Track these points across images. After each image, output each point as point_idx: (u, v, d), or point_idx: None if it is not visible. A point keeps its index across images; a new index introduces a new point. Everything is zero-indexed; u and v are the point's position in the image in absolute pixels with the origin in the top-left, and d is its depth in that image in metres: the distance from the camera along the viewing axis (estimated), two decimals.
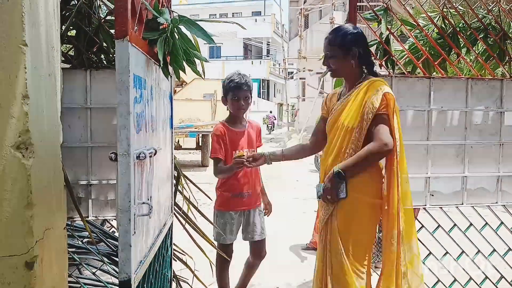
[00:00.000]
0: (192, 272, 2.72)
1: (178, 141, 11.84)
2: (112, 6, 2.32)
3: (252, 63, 38.66)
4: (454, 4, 3.07)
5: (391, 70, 2.89)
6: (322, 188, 2.34)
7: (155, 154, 1.66)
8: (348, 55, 2.32)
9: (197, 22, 1.81)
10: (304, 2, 24.49)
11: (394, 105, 2.23)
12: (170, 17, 1.77)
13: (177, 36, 1.75)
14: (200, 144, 11.59)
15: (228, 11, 43.20)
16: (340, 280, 2.27)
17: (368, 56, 2.39)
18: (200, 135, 11.47)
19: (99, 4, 2.42)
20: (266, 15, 40.59)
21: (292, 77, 29.97)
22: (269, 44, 42.27)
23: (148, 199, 1.60)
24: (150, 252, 1.75)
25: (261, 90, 40.22)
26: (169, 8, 2.05)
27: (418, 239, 2.88)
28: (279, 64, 39.76)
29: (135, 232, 1.46)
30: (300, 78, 24.72)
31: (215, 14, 41.53)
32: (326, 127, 2.48)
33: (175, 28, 1.73)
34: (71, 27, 2.33)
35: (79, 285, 2.33)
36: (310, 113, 17.93)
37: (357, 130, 2.27)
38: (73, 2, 2.40)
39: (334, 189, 2.27)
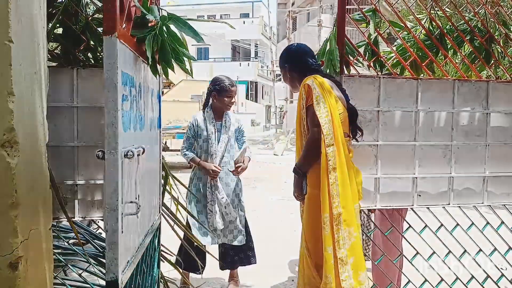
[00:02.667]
0: (180, 273, 2.70)
1: (166, 142, 11.76)
2: (99, 4, 2.30)
3: (240, 65, 38.64)
4: (442, 6, 3.10)
5: (379, 71, 2.91)
6: None
7: (143, 152, 1.64)
8: (286, 72, 2.68)
9: (186, 21, 1.80)
10: (292, 5, 24.60)
11: (315, 93, 2.36)
12: (159, 15, 1.75)
13: (166, 34, 1.73)
14: None
15: (216, 12, 43.14)
16: (307, 273, 2.36)
17: (302, 66, 2.60)
18: None
19: (87, 2, 2.39)
20: (254, 17, 40.64)
21: (280, 79, 30.03)
22: (257, 46, 42.32)
23: (136, 198, 1.58)
24: (138, 252, 1.73)
25: (249, 92, 40.22)
26: (158, 6, 2.03)
27: (405, 239, 2.92)
28: (267, 66, 39.83)
29: (122, 231, 1.44)
30: None
31: (203, 16, 41.40)
32: None
33: (164, 26, 1.71)
34: (58, 25, 2.30)
35: (64, 287, 2.29)
36: None
37: (302, 127, 2.47)
38: (60, 0, 2.37)
39: (297, 186, 2.47)
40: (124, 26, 1.54)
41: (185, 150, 3.57)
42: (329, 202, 2.26)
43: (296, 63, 2.63)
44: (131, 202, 1.51)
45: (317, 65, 2.63)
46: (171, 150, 12.04)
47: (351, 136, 2.56)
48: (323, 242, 2.27)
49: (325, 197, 2.27)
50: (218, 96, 3.53)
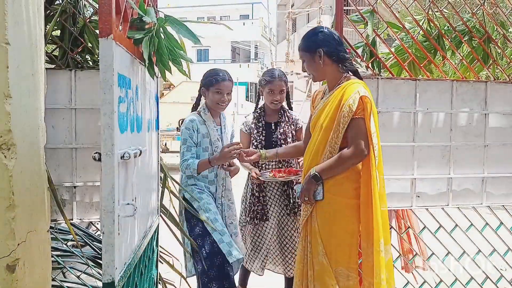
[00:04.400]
0: (180, 274, 2.69)
1: (166, 144, 11.77)
2: (97, 6, 2.30)
3: (240, 66, 38.63)
4: (439, 7, 3.11)
5: (377, 72, 2.91)
6: (300, 189, 2.38)
7: (140, 154, 1.64)
8: (315, 57, 2.34)
9: (183, 22, 1.80)
10: (292, 6, 24.62)
11: (371, 108, 2.21)
12: (156, 17, 1.75)
13: (162, 36, 1.73)
14: None
15: (216, 14, 43.15)
16: (322, 281, 2.28)
17: (339, 54, 2.34)
18: None
19: (84, 4, 2.39)
20: (254, 19, 40.64)
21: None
22: (257, 48, 42.31)
23: (132, 200, 1.58)
24: (135, 254, 1.73)
25: (249, 93, 40.19)
26: (155, 8, 2.03)
27: (404, 240, 2.92)
28: (267, 67, 39.82)
29: (119, 234, 1.44)
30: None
31: (203, 17, 41.42)
32: (310, 125, 2.49)
33: (160, 28, 1.71)
34: (56, 27, 2.30)
35: None
36: (298, 116, 17.96)
37: (334, 132, 2.26)
38: (57, 2, 2.38)
39: (311, 190, 2.29)
40: (120, 28, 1.54)
41: (188, 161, 2.77)
42: (378, 224, 2.20)
43: (336, 50, 2.33)
44: (128, 204, 1.51)
45: (350, 57, 2.42)
46: (171, 152, 12.03)
47: None
48: (375, 266, 2.18)
49: (378, 221, 2.19)
50: (207, 91, 2.88)
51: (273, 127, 3.11)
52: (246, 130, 3.14)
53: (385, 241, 2.25)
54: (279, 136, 3.06)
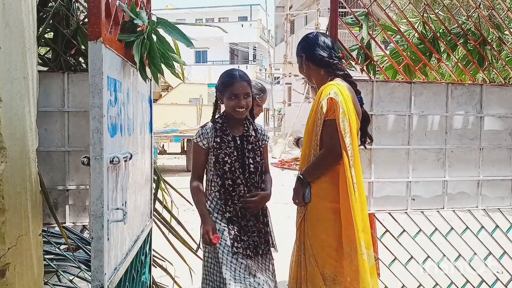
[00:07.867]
0: (172, 278, 2.68)
1: (163, 146, 11.76)
2: None
3: (238, 68, 38.63)
4: (435, 9, 3.10)
5: (372, 75, 2.90)
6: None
7: (130, 158, 1.63)
8: (302, 62, 2.46)
9: (178, 25, 1.79)
10: (290, 8, 24.64)
11: (341, 109, 2.22)
12: (148, 19, 1.74)
13: (155, 39, 1.72)
14: (185, 149, 11.51)
15: (214, 16, 43.16)
16: (313, 282, 2.31)
17: (322, 59, 2.37)
18: (185, 140, 11.39)
19: (77, 6, 2.38)
20: (253, 20, 40.65)
21: (278, 82, 30.08)
22: (255, 49, 42.30)
23: (123, 205, 1.57)
24: (126, 259, 1.72)
25: None
26: (147, 10, 2.02)
27: (400, 243, 2.91)
28: (265, 69, 39.81)
29: (108, 239, 1.42)
30: (286, 83, 24.77)
31: (202, 19, 41.42)
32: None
33: (152, 31, 1.70)
34: (49, 29, 2.29)
35: None
36: (296, 118, 17.96)
37: (314, 135, 2.32)
38: (50, 4, 2.36)
39: (299, 193, 2.35)
40: (111, 31, 1.53)
41: None
42: (355, 226, 2.20)
43: (316, 56, 2.36)
44: (118, 208, 1.50)
45: (336, 58, 2.39)
46: (169, 154, 12.03)
47: (359, 143, 2.48)
48: (360, 270, 2.18)
49: (357, 224, 2.19)
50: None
51: (238, 142, 2.36)
52: (204, 145, 2.34)
53: (367, 245, 2.24)
54: (247, 154, 2.36)
